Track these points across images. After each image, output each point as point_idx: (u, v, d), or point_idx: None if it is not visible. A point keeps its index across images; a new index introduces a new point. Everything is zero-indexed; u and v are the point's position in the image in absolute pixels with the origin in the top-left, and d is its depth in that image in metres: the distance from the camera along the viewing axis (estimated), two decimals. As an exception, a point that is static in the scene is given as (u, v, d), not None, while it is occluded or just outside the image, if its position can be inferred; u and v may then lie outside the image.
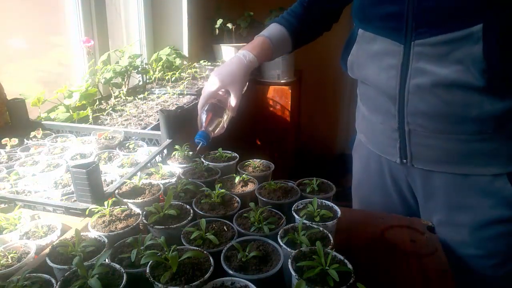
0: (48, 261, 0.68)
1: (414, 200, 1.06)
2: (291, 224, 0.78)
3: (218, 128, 1.01)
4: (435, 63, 0.83)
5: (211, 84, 1.02)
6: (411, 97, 0.88)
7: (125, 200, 0.89)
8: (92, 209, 0.81)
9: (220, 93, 1.04)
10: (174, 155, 1.12)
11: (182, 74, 2.25)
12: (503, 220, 0.89)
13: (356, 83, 1.11)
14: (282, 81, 2.81)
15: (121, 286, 0.61)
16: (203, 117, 1.00)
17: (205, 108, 1.01)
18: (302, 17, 1.13)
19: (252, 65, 1.04)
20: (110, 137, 1.24)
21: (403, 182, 1.05)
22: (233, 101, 1.02)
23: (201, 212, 0.85)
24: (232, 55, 2.63)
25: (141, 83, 2.16)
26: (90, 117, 1.55)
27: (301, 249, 0.68)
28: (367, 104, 1.06)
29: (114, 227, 0.79)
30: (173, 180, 1.00)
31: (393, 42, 0.88)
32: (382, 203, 1.11)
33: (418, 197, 1.04)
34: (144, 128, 1.49)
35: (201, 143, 0.96)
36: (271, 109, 2.86)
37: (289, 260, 0.64)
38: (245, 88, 1.05)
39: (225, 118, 1.02)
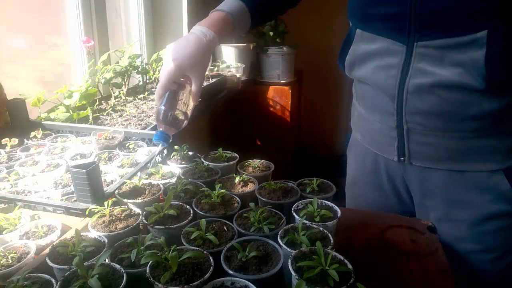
0: (48, 261, 0.67)
1: (409, 198, 1.06)
2: (291, 224, 0.78)
3: (180, 122, 0.90)
4: (437, 65, 0.83)
5: (168, 70, 0.89)
6: (410, 96, 0.88)
7: (125, 200, 0.89)
8: (92, 209, 0.81)
9: (182, 79, 0.93)
10: (174, 155, 1.12)
11: (182, 74, 2.24)
12: (501, 214, 0.90)
13: (355, 82, 1.11)
14: (282, 81, 2.81)
15: (121, 286, 0.61)
16: (161, 110, 0.88)
17: (163, 100, 0.90)
18: None
19: (212, 45, 0.93)
20: (110, 137, 1.24)
21: (399, 180, 1.05)
22: (194, 87, 0.92)
23: (201, 212, 0.85)
24: (232, 55, 2.62)
25: (141, 83, 2.15)
26: (90, 117, 1.55)
27: (301, 249, 0.68)
28: (364, 102, 1.06)
29: (114, 227, 0.79)
30: (173, 180, 1.00)
31: (394, 42, 0.88)
32: (376, 201, 1.11)
33: (414, 194, 1.04)
34: (144, 128, 1.48)
35: (160, 144, 0.89)
36: (271, 109, 2.86)
37: (289, 260, 0.64)
38: (208, 70, 0.98)
39: (188, 108, 0.91)
